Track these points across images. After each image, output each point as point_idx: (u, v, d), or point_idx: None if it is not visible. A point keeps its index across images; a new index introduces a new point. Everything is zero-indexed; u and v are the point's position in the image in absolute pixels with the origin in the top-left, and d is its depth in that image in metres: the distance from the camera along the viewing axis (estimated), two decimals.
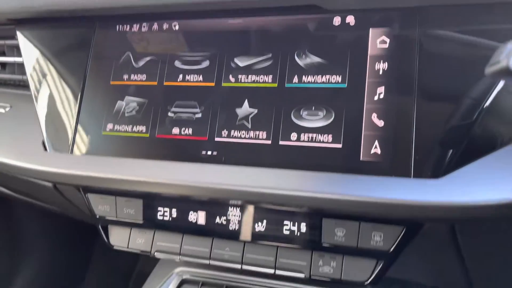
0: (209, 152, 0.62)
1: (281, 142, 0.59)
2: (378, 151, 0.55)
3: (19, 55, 0.80)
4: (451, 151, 0.52)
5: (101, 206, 0.71)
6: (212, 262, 0.66)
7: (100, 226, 0.72)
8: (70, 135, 0.70)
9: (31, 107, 0.76)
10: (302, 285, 0.75)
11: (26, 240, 1.59)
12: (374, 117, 0.55)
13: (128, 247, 0.71)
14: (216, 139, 0.62)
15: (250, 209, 0.64)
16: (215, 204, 0.65)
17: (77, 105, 0.70)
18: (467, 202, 0.49)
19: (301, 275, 0.62)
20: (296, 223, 0.61)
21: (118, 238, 0.72)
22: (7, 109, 0.83)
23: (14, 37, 0.79)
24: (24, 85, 0.85)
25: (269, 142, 0.59)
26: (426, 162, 0.52)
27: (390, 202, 0.51)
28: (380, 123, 0.55)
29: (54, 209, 0.94)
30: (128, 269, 1.81)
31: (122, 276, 1.79)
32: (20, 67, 0.83)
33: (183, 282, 0.81)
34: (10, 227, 1.53)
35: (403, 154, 0.53)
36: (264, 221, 0.63)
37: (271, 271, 0.63)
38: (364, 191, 0.52)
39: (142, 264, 1.78)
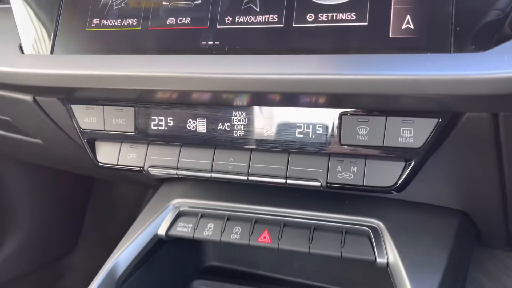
0: (210, 42, 0.53)
1: (295, 25, 0.50)
2: (411, 25, 0.46)
3: None
4: (497, 22, 0.44)
5: (87, 118, 0.63)
6: (215, 175, 0.58)
7: (86, 142, 0.64)
8: (50, 35, 0.61)
9: (5, 20, 0.67)
10: (310, 211, 0.68)
11: (14, 208, 1.51)
12: None
13: (117, 164, 0.63)
14: (218, 26, 0.53)
15: (257, 110, 0.55)
16: (217, 108, 0.57)
17: (58, 1, 0.61)
18: None
19: (317, 184, 0.54)
20: (311, 124, 0.53)
21: (107, 154, 0.63)
22: None
23: None
24: None
25: (281, 25, 0.51)
26: (468, 35, 0.44)
27: (428, 78, 0.43)
28: None
29: (36, 143, 0.85)
30: (122, 236, 1.74)
31: (115, 245, 1.72)
32: None
33: (180, 214, 0.74)
34: None
35: (441, 27, 0.45)
36: (274, 124, 0.55)
37: (282, 180, 0.55)
38: (396, 69, 0.44)
39: None
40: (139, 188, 1.76)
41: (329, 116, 0.52)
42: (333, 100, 0.50)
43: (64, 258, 1.71)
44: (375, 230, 0.64)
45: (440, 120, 0.48)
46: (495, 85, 0.42)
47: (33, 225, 1.56)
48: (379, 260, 0.62)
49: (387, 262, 0.62)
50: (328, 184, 0.53)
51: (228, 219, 0.70)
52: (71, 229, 1.73)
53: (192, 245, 0.85)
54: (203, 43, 0.53)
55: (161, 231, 0.72)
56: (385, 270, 0.62)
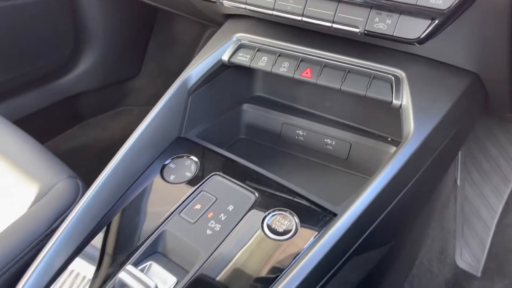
0: None
1: None
2: None
3: None
4: None
5: None
6: (275, 13, 0.72)
7: None
8: None
9: None
10: (347, 57, 0.81)
11: (89, 30, 1.69)
12: None
13: None
14: None
15: None
16: None
17: None
18: None
19: (356, 30, 0.67)
20: None
21: None
22: None
23: None
24: None
25: None
26: None
27: None
28: None
29: None
30: (179, 70, 1.96)
31: (172, 77, 1.95)
32: None
33: (240, 46, 0.89)
34: (73, 13, 1.62)
35: None
36: None
37: (329, 24, 0.69)
38: None
39: None
40: (197, 28, 1.90)
41: None
42: None
43: (128, 81, 1.97)
44: (397, 78, 0.78)
45: None
46: None
47: (105, 47, 1.77)
48: (394, 101, 0.77)
49: (401, 104, 0.78)
50: (365, 31, 0.67)
51: (279, 55, 0.85)
52: (136, 57, 1.94)
53: (246, 75, 1.02)
54: None
55: (225, 57, 0.89)
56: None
